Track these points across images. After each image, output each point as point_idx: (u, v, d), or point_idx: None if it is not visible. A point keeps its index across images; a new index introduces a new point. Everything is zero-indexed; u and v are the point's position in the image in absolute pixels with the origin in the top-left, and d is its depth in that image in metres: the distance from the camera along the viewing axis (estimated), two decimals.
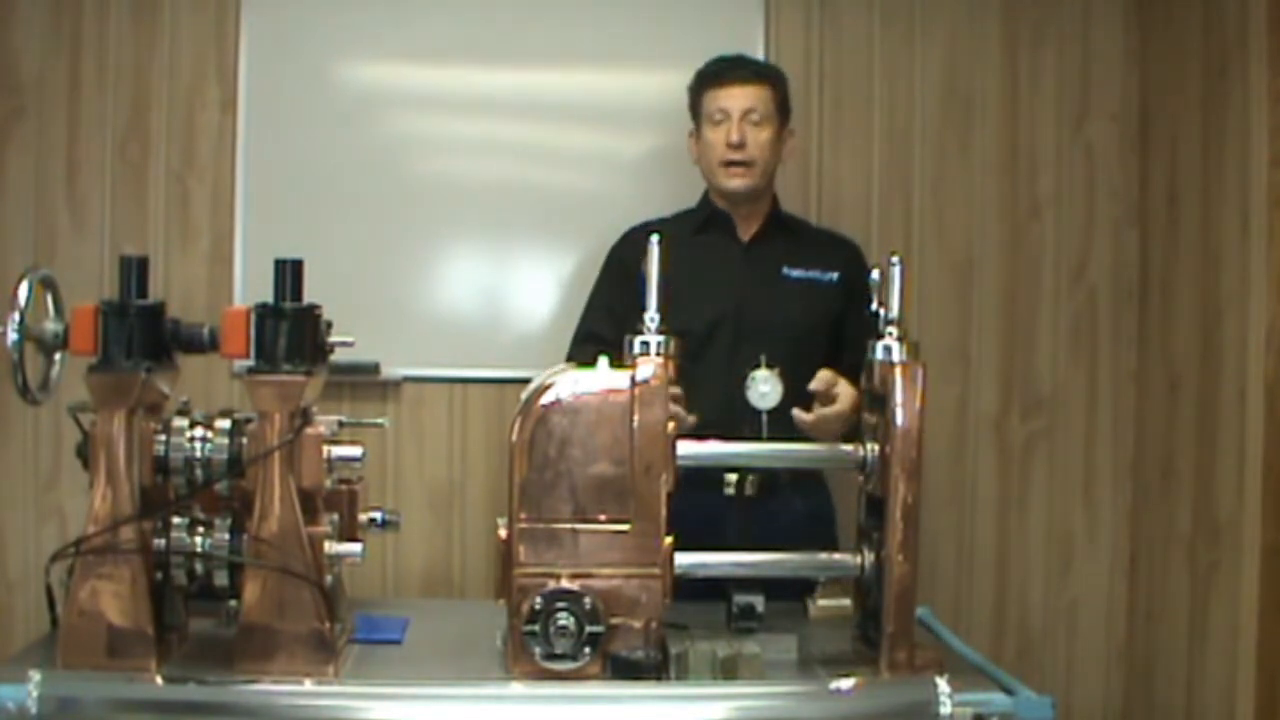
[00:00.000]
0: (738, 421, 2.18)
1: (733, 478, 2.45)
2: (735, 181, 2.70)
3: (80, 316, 1.97)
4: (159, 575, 1.96)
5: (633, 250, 2.73)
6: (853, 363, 2.19)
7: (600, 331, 2.68)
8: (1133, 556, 3.28)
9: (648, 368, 1.99)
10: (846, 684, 1.92)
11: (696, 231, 2.77)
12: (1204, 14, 2.96)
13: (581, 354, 2.51)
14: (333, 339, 2.10)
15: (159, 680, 1.90)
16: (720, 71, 2.74)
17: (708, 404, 2.27)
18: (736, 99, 2.69)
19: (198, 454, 1.97)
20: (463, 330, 3.23)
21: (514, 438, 1.99)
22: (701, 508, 2.14)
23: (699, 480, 2.15)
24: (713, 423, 2.21)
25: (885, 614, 1.98)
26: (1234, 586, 2.77)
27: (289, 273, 2.00)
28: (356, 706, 1.86)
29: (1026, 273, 3.29)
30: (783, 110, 2.75)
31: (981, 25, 3.27)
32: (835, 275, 2.73)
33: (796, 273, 2.74)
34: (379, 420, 2.40)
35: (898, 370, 2.01)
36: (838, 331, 2.68)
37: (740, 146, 2.68)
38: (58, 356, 2.04)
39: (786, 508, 2.60)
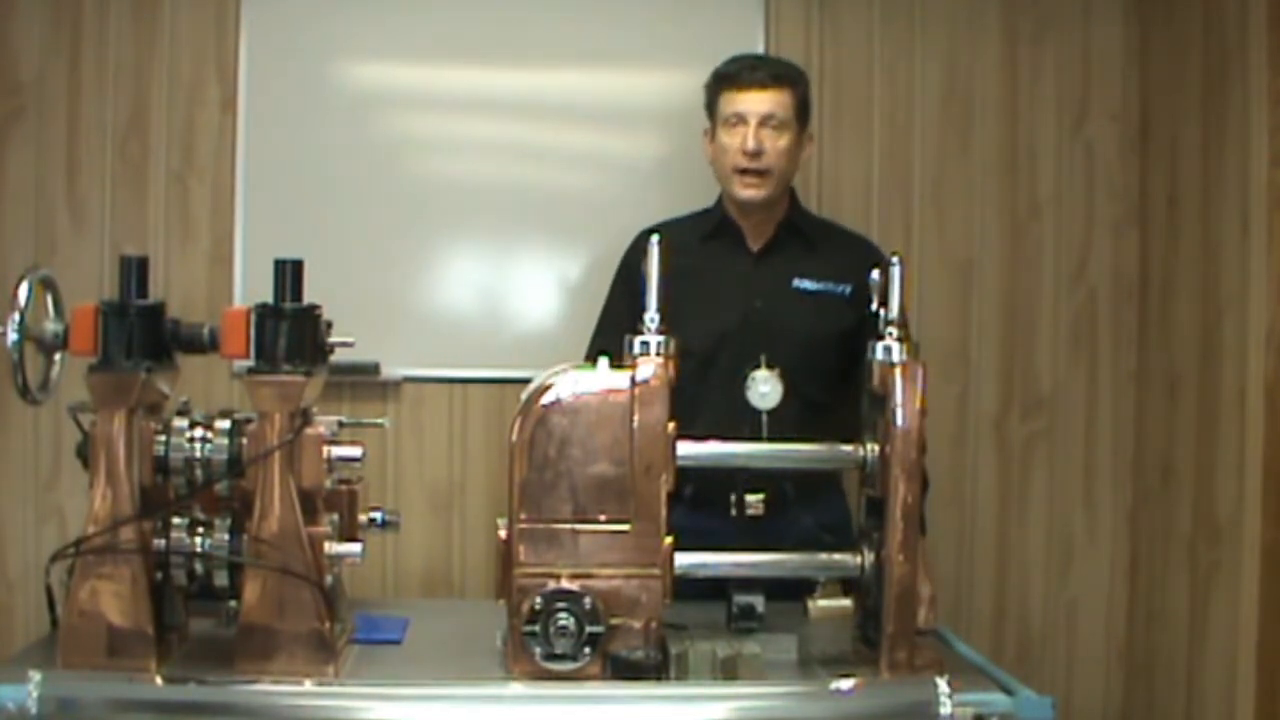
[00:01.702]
0: (743, 433, 2.13)
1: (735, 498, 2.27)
2: (749, 192, 2.63)
3: (80, 316, 1.97)
4: (159, 575, 1.97)
5: (637, 255, 2.72)
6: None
7: (610, 350, 2.66)
8: (1133, 556, 3.28)
9: (648, 368, 1.99)
10: (846, 684, 1.92)
11: (705, 239, 2.70)
12: (1204, 14, 2.96)
13: None
14: (333, 339, 2.10)
15: (159, 680, 1.90)
16: (738, 73, 2.65)
17: (714, 418, 2.17)
18: (754, 103, 2.61)
19: (198, 454, 1.97)
20: (463, 330, 3.23)
21: (514, 438, 1.99)
22: (708, 531, 2.10)
23: (705, 501, 2.14)
24: (716, 435, 2.12)
25: (885, 614, 1.98)
26: (1234, 586, 2.77)
27: (289, 273, 2.00)
28: (356, 706, 1.86)
29: (1026, 273, 3.29)
30: (802, 115, 2.67)
31: (981, 25, 3.27)
32: (848, 288, 2.66)
33: (807, 284, 2.67)
34: (379, 420, 2.40)
35: (898, 370, 2.01)
36: (852, 342, 2.56)
37: (757, 155, 2.60)
38: (58, 356, 2.04)
39: (796, 525, 2.51)
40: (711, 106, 2.70)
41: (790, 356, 2.22)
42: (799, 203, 2.81)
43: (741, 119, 2.62)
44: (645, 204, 2.90)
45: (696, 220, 2.77)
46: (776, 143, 2.62)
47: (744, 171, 2.62)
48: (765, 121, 2.61)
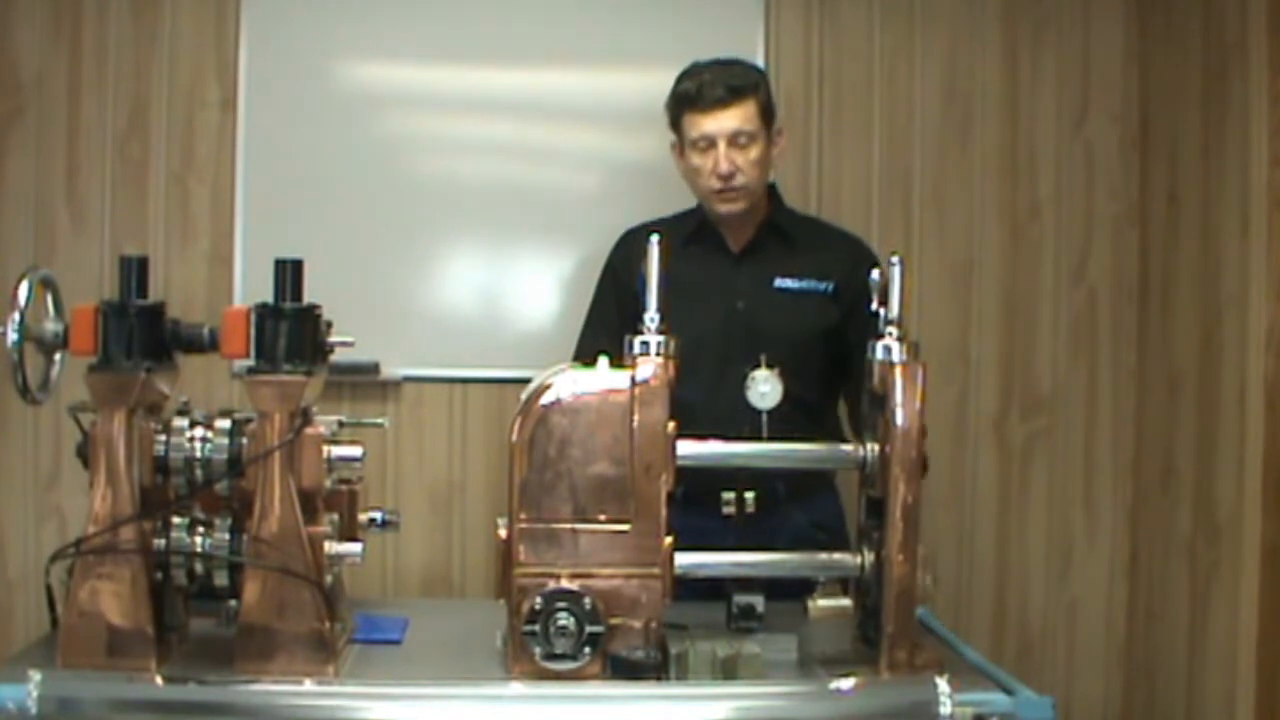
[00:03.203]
0: (730, 435, 2.12)
1: (729, 495, 2.24)
2: (728, 207, 2.62)
3: (80, 316, 1.97)
4: (159, 575, 1.97)
5: (625, 254, 2.73)
6: (858, 369, 2.14)
7: (601, 347, 2.65)
8: (1133, 557, 3.28)
9: (648, 368, 1.99)
10: (846, 684, 1.92)
11: (686, 241, 2.68)
12: (1204, 14, 2.96)
13: None
14: (333, 339, 2.10)
15: (159, 680, 1.90)
16: (699, 93, 2.59)
17: (699, 419, 2.12)
18: (720, 123, 2.57)
19: (198, 454, 1.97)
20: (463, 330, 3.23)
21: (514, 438, 1.99)
22: (699, 530, 2.09)
23: (695, 500, 2.14)
24: (705, 437, 2.10)
25: (885, 614, 1.98)
26: (1234, 586, 2.77)
27: (289, 273, 2.00)
28: (356, 706, 1.86)
29: (1026, 273, 3.29)
30: (768, 117, 2.64)
31: (981, 25, 3.27)
32: (830, 285, 2.65)
33: (789, 283, 2.66)
34: (379, 420, 2.40)
35: (898, 370, 2.00)
36: (839, 339, 2.61)
37: (730, 176, 2.58)
38: (58, 356, 2.04)
39: (788, 523, 2.52)
40: (676, 125, 2.67)
41: (775, 356, 2.22)
42: (781, 200, 2.79)
43: (710, 141, 2.59)
44: (645, 204, 2.89)
45: (678, 221, 2.74)
46: (748, 156, 2.59)
47: (720, 191, 2.61)
48: (733, 140, 2.58)
